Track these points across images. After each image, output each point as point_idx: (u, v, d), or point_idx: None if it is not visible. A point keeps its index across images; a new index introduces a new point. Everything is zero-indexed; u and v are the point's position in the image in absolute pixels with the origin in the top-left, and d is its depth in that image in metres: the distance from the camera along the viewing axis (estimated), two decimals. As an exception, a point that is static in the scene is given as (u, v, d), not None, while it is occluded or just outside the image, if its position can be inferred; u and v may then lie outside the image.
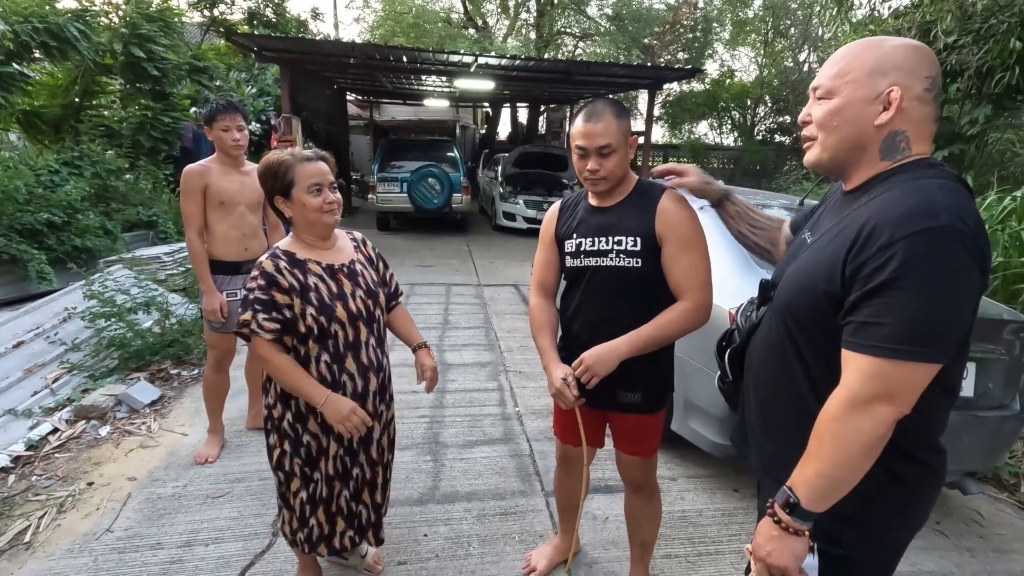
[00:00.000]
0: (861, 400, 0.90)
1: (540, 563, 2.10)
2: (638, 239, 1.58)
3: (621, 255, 1.59)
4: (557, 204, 1.82)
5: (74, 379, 3.43)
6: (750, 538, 2.46)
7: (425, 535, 2.30)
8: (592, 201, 1.70)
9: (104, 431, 3.01)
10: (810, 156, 1.08)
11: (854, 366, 0.92)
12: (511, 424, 3.29)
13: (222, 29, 10.50)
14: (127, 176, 6.62)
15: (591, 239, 1.64)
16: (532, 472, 2.79)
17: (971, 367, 2.32)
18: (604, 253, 1.62)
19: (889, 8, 7.08)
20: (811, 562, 1.03)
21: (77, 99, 7.04)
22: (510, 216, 10.21)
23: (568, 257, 1.70)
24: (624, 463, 1.83)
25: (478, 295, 6.20)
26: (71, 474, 2.63)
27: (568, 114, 16.58)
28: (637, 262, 1.58)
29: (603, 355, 1.55)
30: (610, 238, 1.61)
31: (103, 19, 7.11)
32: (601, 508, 2.52)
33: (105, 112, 7.54)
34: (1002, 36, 5.23)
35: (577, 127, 1.58)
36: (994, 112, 5.57)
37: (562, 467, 2.01)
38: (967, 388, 2.31)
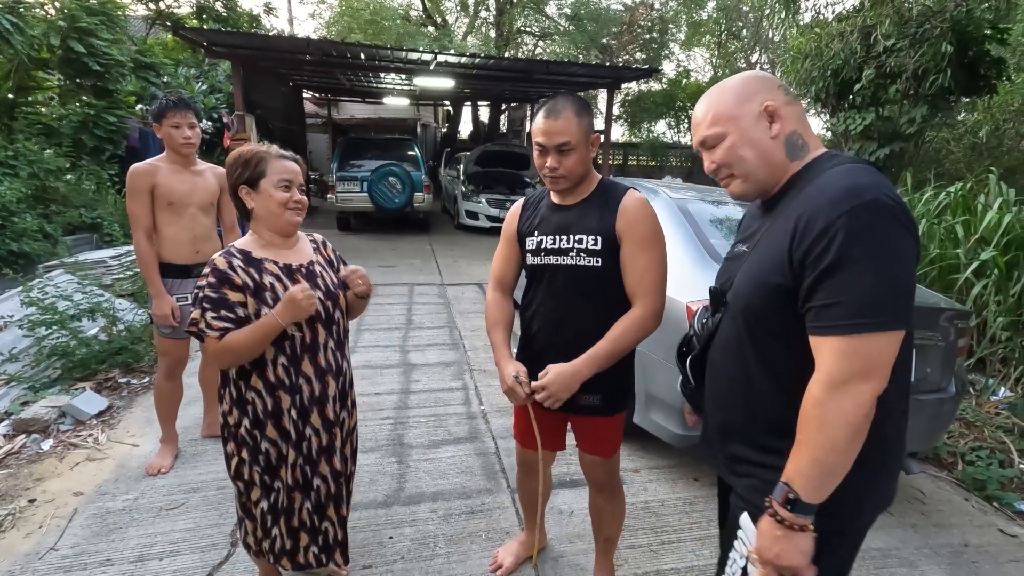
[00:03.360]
0: (839, 381, 0.91)
1: (507, 560, 2.11)
2: (599, 238, 1.57)
3: (582, 254, 1.59)
4: (520, 201, 1.81)
5: (12, 391, 3.24)
6: (711, 525, 2.52)
7: (390, 537, 2.27)
8: (554, 199, 1.69)
9: (47, 445, 2.85)
10: (734, 189, 1.14)
11: (825, 349, 0.94)
12: (476, 423, 3.29)
13: (169, 23, 10.10)
14: (68, 177, 6.30)
15: (552, 237, 1.63)
16: (498, 470, 2.80)
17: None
18: (565, 251, 1.61)
19: (833, 12, 7.39)
20: None
21: (11, 95, 6.64)
22: (473, 215, 10.19)
23: (529, 255, 1.70)
24: (586, 463, 1.84)
25: (442, 294, 6.16)
26: (10, 491, 2.48)
27: (529, 112, 16.65)
28: (597, 261, 1.58)
29: (565, 379, 1.54)
30: (571, 236, 1.60)
31: (38, 11, 6.74)
32: (567, 503, 2.55)
33: (42, 109, 7.15)
34: (935, 40, 5.54)
35: (537, 123, 1.56)
36: (930, 112, 5.88)
37: (522, 470, 2.02)
38: (908, 373, 2.44)
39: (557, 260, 1.63)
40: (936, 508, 2.73)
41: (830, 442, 0.92)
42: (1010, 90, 7.10)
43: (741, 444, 1.15)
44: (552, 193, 1.70)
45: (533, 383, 1.59)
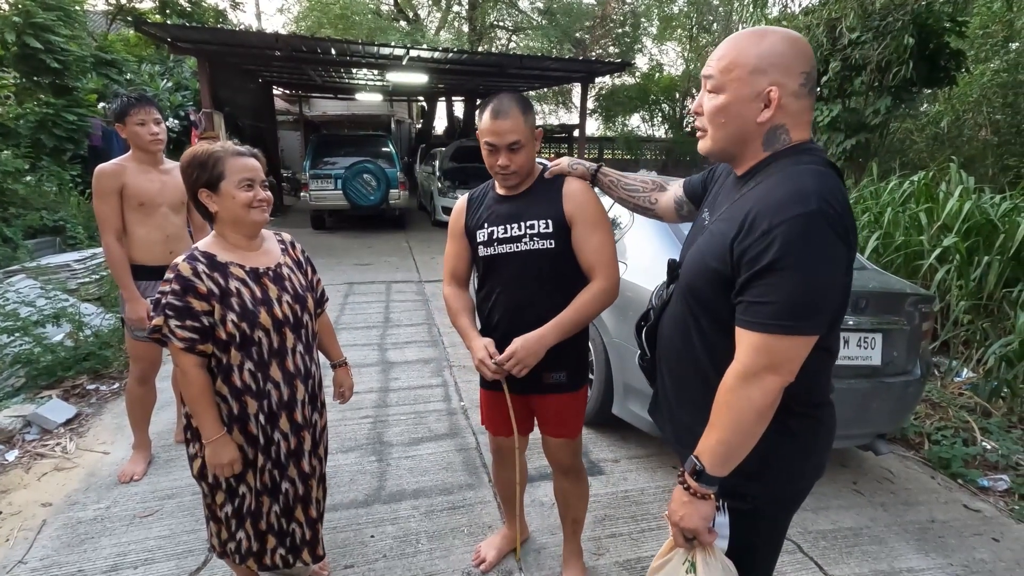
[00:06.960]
0: (751, 372, 1.00)
1: (489, 554, 2.12)
2: (549, 221, 1.64)
3: (535, 238, 1.65)
4: (465, 197, 1.85)
5: (-26, 401, 3.13)
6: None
7: (372, 536, 2.26)
8: (500, 191, 1.74)
9: (11, 456, 2.76)
10: (702, 146, 1.17)
11: (745, 342, 1.02)
12: (456, 419, 3.28)
13: (130, 18, 9.80)
14: (27, 178, 6.07)
15: (503, 227, 1.69)
16: (479, 465, 2.80)
17: (878, 338, 2.52)
18: (517, 239, 1.67)
19: (799, 6, 7.53)
20: (722, 520, 1.12)
21: (-37, 94, 6.40)
22: (450, 211, 10.08)
23: (481, 247, 1.73)
24: (552, 447, 1.87)
25: (419, 291, 6.13)
26: (-26, 505, 2.40)
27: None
28: (551, 244, 1.65)
29: (532, 346, 1.58)
30: (522, 224, 1.66)
31: (-10, 6, 6.49)
32: (548, 495, 2.56)
33: (-2, 109, 6.88)
34: (898, 33, 5.69)
35: (485, 124, 1.60)
36: (894, 103, 6.04)
37: (497, 460, 2.03)
38: (875, 357, 2.51)
39: (510, 248, 1.68)
40: (904, 487, 2.82)
41: (737, 425, 1.02)
42: (969, 81, 7.33)
43: (685, 415, 1.22)
44: (497, 186, 1.75)
45: (501, 355, 1.63)
